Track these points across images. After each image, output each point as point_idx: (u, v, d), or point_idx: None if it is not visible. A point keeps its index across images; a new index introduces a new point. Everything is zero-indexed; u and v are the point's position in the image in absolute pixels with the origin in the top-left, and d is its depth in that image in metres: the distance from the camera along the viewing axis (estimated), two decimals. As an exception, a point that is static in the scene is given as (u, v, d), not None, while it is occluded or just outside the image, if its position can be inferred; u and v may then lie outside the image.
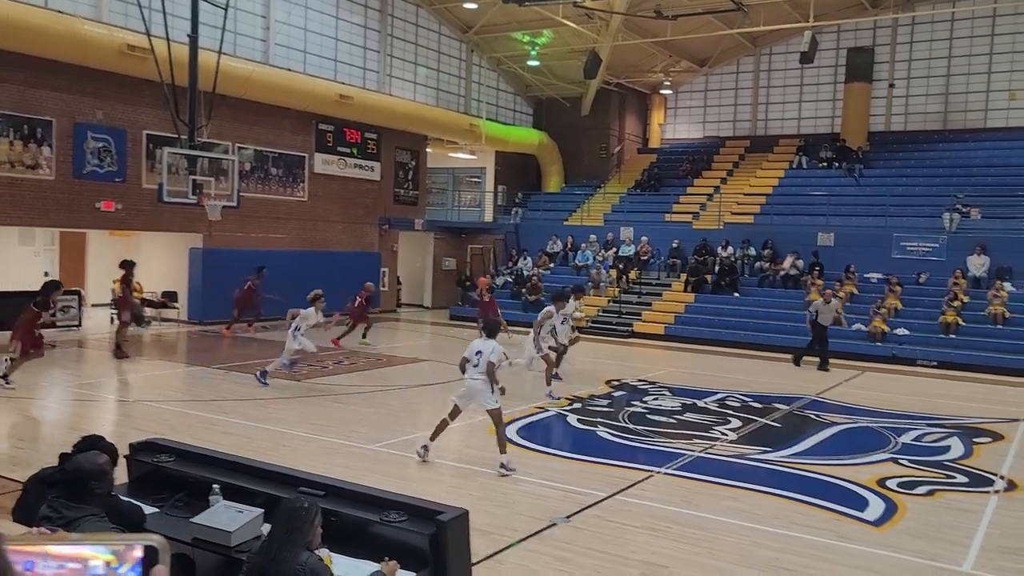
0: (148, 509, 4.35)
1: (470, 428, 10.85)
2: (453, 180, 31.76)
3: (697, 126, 32.12)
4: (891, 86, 28.17)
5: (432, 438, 8.92)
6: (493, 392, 8.66)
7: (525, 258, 26.21)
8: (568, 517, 7.23)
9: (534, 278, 24.26)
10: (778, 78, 30.21)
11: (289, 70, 21.70)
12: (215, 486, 4.38)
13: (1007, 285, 19.78)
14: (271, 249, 21.73)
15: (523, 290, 24.09)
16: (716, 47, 29.25)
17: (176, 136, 15.76)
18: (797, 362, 17.76)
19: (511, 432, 10.47)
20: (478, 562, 5.91)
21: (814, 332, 17.53)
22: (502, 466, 8.55)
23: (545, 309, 13.71)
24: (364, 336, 18.18)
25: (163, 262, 21.06)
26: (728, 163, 29.35)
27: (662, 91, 31.92)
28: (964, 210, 22.14)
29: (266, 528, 3.99)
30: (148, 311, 19.51)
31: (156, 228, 19.64)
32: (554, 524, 7.02)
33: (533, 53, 27.54)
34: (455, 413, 9.02)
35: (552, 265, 26.10)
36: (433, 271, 28.42)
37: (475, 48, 28.51)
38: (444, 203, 31.42)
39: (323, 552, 3.80)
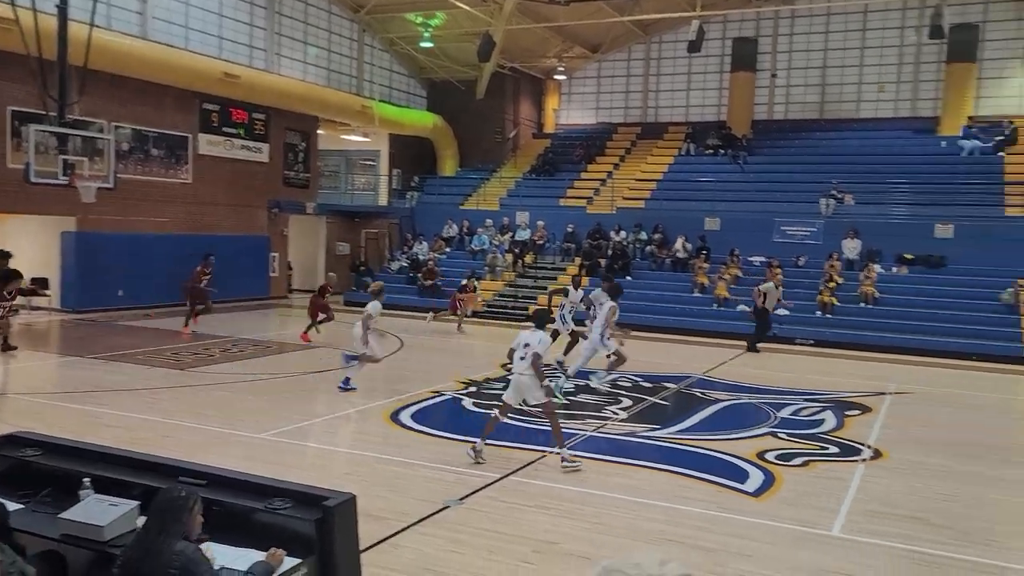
0: (12, 506, 4.10)
1: (363, 414, 10.73)
2: (346, 163, 31.20)
3: (591, 112, 32.60)
4: (773, 76, 29.33)
5: (483, 438, 8.51)
6: (542, 385, 8.34)
7: (421, 243, 26.04)
8: (461, 499, 7.25)
9: (430, 263, 24.15)
10: (667, 66, 30.97)
11: (170, 46, 20.73)
12: (85, 480, 4.17)
13: (877, 267, 21.01)
14: (153, 233, 20.80)
15: (419, 275, 23.94)
16: (608, 33, 29.72)
17: (45, 113, 14.81)
18: (754, 348, 17.79)
19: (405, 417, 10.42)
20: (370, 547, 5.86)
21: (759, 316, 17.87)
22: (564, 460, 8.26)
23: (610, 305, 12.88)
24: (316, 328, 17.17)
25: (32, 247, 19.82)
26: (621, 149, 29.93)
27: (556, 76, 32.21)
28: (839, 196, 23.33)
29: (143, 520, 3.82)
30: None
31: (24, 211, 18.47)
32: (447, 507, 7.03)
33: (426, 35, 27.25)
34: (505, 410, 8.75)
35: (448, 250, 26.04)
36: (326, 256, 27.87)
37: (367, 28, 27.99)
38: (337, 186, 30.83)
39: (204, 543, 3.68)
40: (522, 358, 8.38)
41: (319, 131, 27.04)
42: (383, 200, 29.84)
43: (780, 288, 18.38)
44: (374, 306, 11.62)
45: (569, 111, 33.07)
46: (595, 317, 13.31)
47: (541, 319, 9.03)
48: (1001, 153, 24.12)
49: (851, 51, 28.34)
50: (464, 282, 20.60)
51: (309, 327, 16.93)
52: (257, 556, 3.76)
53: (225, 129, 23.16)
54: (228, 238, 22.82)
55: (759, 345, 17.88)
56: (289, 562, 3.77)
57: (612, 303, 13.01)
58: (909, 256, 21.46)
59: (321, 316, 17.04)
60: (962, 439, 10.41)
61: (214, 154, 22.80)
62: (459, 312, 19.77)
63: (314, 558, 3.91)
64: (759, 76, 29.32)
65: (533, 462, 8.60)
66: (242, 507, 4.04)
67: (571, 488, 7.80)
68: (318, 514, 3.92)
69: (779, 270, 21.23)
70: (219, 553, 3.76)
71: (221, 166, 23.09)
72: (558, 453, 8.42)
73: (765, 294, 17.82)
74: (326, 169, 29.87)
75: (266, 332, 17.83)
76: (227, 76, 21.64)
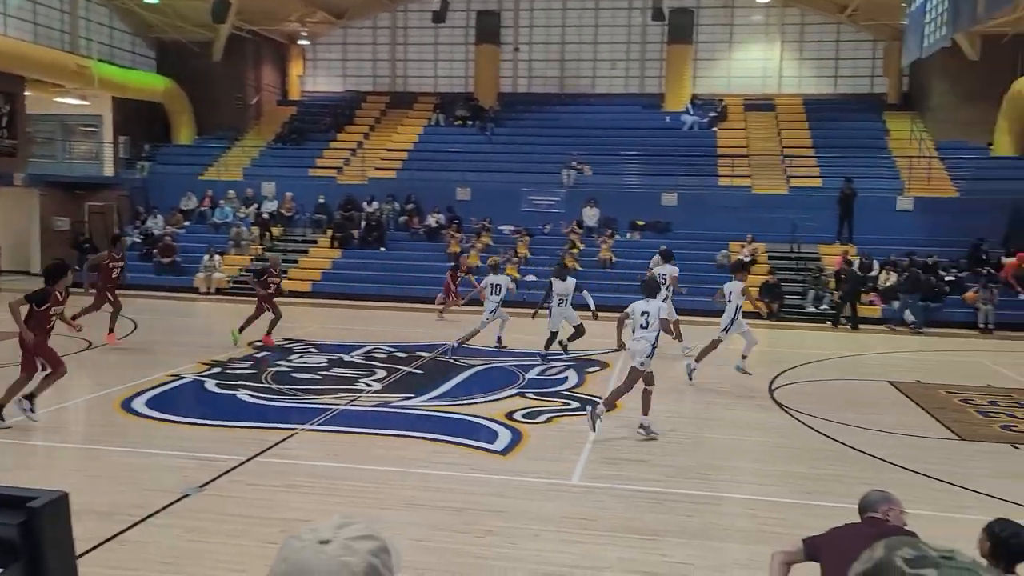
0: None
1: (92, 405, 9.81)
2: (62, 129, 27.97)
3: (337, 79, 31.81)
4: (516, 49, 30.30)
5: (645, 412, 8.74)
6: (652, 355, 8.70)
7: (155, 216, 24.08)
8: (202, 486, 6.85)
9: (167, 238, 22.45)
10: (415, 35, 30.93)
11: None
12: None
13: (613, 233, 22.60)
14: None
15: (155, 251, 22.18)
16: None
17: None
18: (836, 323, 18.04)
19: (139, 405, 9.64)
20: (95, 546, 5.38)
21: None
22: (644, 427, 8.62)
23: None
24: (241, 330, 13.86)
25: None
26: (370, 118, 29.53)
27: (300, 42, 31.01)
28: (578, 167, 24.72)
29: None
30: None
31: None
32: (187, 495, 6.61)
33: (150, -11, 25.00)
34: (650, 378, 8.80)
35: (187, 223, 24.34)
36: (42, 233, 24.93)
37: (82, -22, 25.18)
38: (53, 155, 27.59)
39: None
40: (643, 326, 8.75)
41: (26, 92, 23.99)
42: (109, 170, 27.15)
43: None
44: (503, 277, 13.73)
45: (315, 78, 32.03)
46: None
47: (652, 288, 9.40)
48: (715, 128, 26.80)
49: (586, 28, 29.97)
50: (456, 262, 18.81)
51: (258, 324, 13.82)
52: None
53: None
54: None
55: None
56: (-12, 574, 3.34)
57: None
58: (640, 222, 23.28)
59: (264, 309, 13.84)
60: (684, 387, 11.49)
61: None
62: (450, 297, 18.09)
63: (19, 565, 3.50)
64: (503, 49, 30.17)
65: (282, 441, 8.33)
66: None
67: (325, 464, 7.66)
68: (22, 517, 3.50)
69: (528, 237, 22.23)
70: None
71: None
72: (643, 424, 8.73)
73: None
74: (38, 135, 26.61)
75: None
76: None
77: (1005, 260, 19.87)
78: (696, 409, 10.23)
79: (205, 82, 28.28)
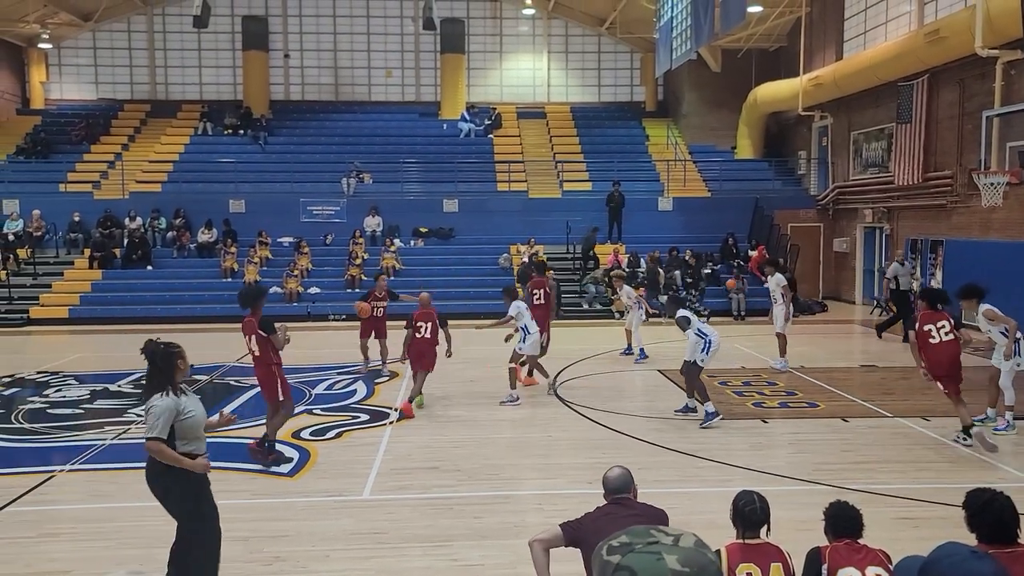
0: None
1: None
2: None
3: (89, 87, 29.32)
4: (286, 56, 29.47)
5: (707, 400, 9.70)
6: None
7: None
8: (-62, 548, 6.03)
9: None
10: (175, 41, 29.19)
11: None
12: None
13: (397, 241, 22.56)
14: None
15: None
16: (101, 1, 26.89)
17: None
18: (880, 333, 16.38)
19: None
20: None
21: (896, 299, 16.32)
22: (710, 415, 9.38)
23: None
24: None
25: None
26: (129, 128, 27.48)
27: (41, 45, 28.21)
28: (359, 176, 24.44)
29: None
30: None
31: None
32: (-82, 561, 5.80)
33: None
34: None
35: (-89, 249, 21.34)
36: None
37: None
38: None
39: None
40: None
41: None
42: None
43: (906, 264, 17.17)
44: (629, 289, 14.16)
45: (62, 85, 29.32)
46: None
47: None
48: (491, 136, 27.55)
49: (359, 36, 29.74)
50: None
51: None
52: None
53: None
54: None
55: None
56: None
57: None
58: (424, 229, 23.44)
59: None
60: (476, 390, 11.70)
61: None
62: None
63: None
64: (272, 56, 29.23)
65: (38, 486, 7.53)
66: None
67: (88, 506, 7.03)
68: None
69: (308, 249, 21.64)
70: None
71: None
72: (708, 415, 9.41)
73: (897, 276, 16.39)
74: None
75: None
76: None
77: (751, 253, 22.07)
78: (486, 412, 10.43)
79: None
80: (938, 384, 8.54)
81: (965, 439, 8.46)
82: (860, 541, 3.78)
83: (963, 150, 17.73)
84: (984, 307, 8.76)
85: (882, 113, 20.90)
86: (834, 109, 23.17)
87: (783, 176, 25.99)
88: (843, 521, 3.83)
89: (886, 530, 4.41)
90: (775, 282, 13.07)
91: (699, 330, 9.75)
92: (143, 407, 4.99)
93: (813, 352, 14.54)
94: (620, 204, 22.63)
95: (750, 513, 3.82)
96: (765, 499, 3.90)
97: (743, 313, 20.03)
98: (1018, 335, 8.89)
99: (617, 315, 17.93)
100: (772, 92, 24.98)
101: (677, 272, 20.87)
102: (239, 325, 8.33)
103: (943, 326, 8.42)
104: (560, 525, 4.01)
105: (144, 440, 4.84)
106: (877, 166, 21.56)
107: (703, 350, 9.62)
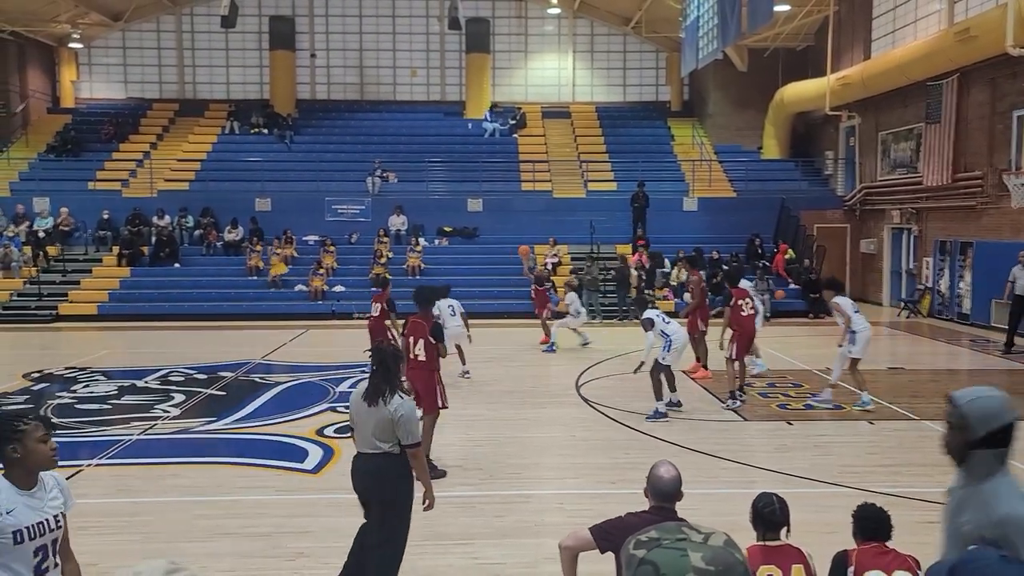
0: None
1: None
2: None
3: (118, 86, 29.69)
4: (312, 56, 29.65)
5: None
6: None
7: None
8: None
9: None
10: (203, 41, 29.48)
11: None
12: None
13: (421, 240, 22.63)
14: None
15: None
16: (131, 1, 27.24)
17: None
18: (1008, 347, 14.82)
19: None
20: None
21: (1014, 304, 14.69)
22: (659, 413, 9.72)
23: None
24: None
25: None
26: (157, 127, 27.80)
27: (72, 45, 28.61)
28: (383, 175, 24.55)
29: None
30: None
31: None
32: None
33: None
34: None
35: (-57, 245, 21.76)
36: None
37: None
38: None
39: None
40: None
41: None
42: None
43: None
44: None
45: (92, 84, 29.71)
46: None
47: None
48: (515, 135, 27.55)
49: (384, 36, 29.86)
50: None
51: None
52: None
53: None
54: None
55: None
56: None
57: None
58: (448, 229, 23.49)
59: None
60: (499, 388, 11.73)
61: None
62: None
63: None
64: (299, 55, 29.43)
65: (69, 478, 7.62)
66: None
67: (114, 501, 7.12)
68: None
69: (333, 247, 21.76)
70: None
71: None
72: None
73: (1016, 279, 14.73)
74: None
75: None
76: None
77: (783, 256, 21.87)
78: (510, 411, 10.44)
79: (-41, 88, 25.51)
80: None
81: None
82: (889, 544, 3.74)
83: (993, 150, 17.47)
84: (834, 300, 10.18)
85: (911, 113, 20.64)
86: (862, 109, 22.91)
87: (810, 176, 25.76)
88: (872, 523, 3.79)
89: (912, 534, 4.36)
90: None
91: (662, 331, 9.80)
92: (389, 410, 4.95)
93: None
94: (645, 204, 22.54)
95: (769, 515, 3.81)
96: (784, 501, 3.87)
97: (768, 315, 19.86)
98: (853, 328, 10.08)
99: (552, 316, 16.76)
100: (799, 92, 24.76)
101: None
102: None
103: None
104: (591, 531, 3.81)
105: (410, 447, 5.08)
106: (905, 166, 21.30)
107: (665, 348, 9.73)
